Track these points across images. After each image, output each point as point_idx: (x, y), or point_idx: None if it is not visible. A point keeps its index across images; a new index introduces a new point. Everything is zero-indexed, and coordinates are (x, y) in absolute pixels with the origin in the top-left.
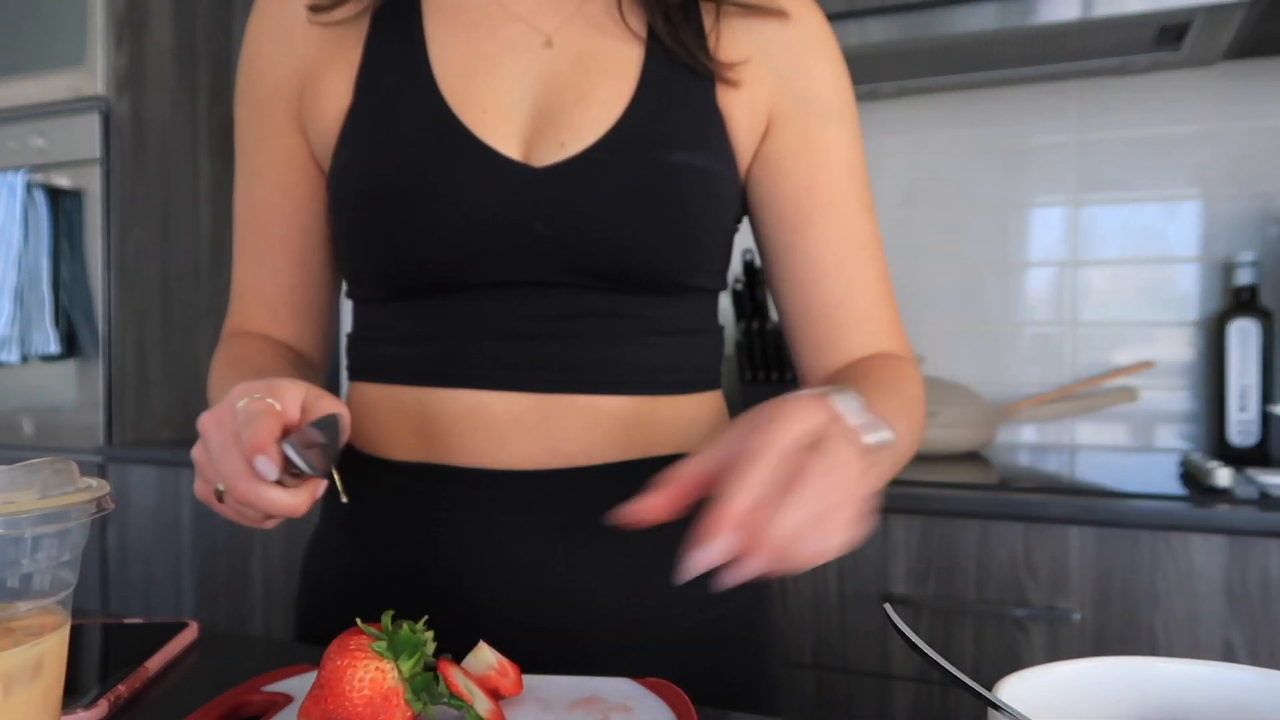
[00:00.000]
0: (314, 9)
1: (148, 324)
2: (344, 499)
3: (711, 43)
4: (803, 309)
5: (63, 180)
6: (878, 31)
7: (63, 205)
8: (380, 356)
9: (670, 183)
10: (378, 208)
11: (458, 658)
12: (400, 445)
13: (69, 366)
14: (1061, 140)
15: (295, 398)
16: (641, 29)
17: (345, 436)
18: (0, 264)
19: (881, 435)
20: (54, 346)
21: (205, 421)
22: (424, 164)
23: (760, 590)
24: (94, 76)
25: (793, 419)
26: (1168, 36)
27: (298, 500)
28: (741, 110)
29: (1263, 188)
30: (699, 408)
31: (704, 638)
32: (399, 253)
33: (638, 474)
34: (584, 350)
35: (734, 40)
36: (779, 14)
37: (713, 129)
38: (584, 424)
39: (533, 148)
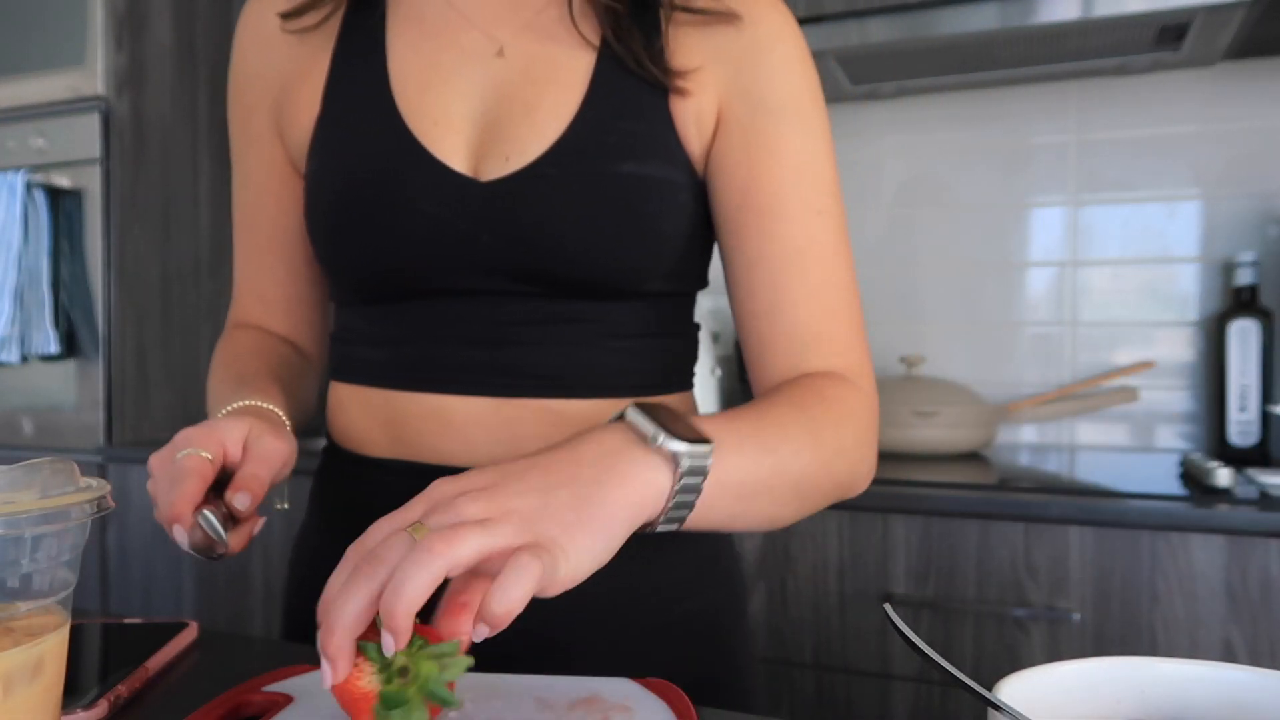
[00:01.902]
0: (284, 17)
1: (148, 324)
2: (285, 506)
3: (663, 50)
4: (741, 315)
5: (63, 180)
6: (878, 31)
7: (63, 205)
8: (353, 358)
9: (619, 193)
10: (340, 217)
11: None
12: (374, 443)
13: (69, 366)
14: (1061, 140)
15: (237, 438)
16: (594, 37)
17: (287, 469)
18: (0, 264)
19: (676, 446)
20: (54, 346)
21: (152, 463)
22: (378, 177)
23: (732, 587)
24: (94, 76)
25: (385, 520)
26: (1168, 36)
27: (231, 543)
28: (689, 117)
29: (1263, 187)
30: None
31: (675, 633)
32: (360, 261)
33: None
34: (541, 355)
35: (687, 47)
36: (731, 17)
37: (665, 136)
38: (545, 426)
39: (480, 160)
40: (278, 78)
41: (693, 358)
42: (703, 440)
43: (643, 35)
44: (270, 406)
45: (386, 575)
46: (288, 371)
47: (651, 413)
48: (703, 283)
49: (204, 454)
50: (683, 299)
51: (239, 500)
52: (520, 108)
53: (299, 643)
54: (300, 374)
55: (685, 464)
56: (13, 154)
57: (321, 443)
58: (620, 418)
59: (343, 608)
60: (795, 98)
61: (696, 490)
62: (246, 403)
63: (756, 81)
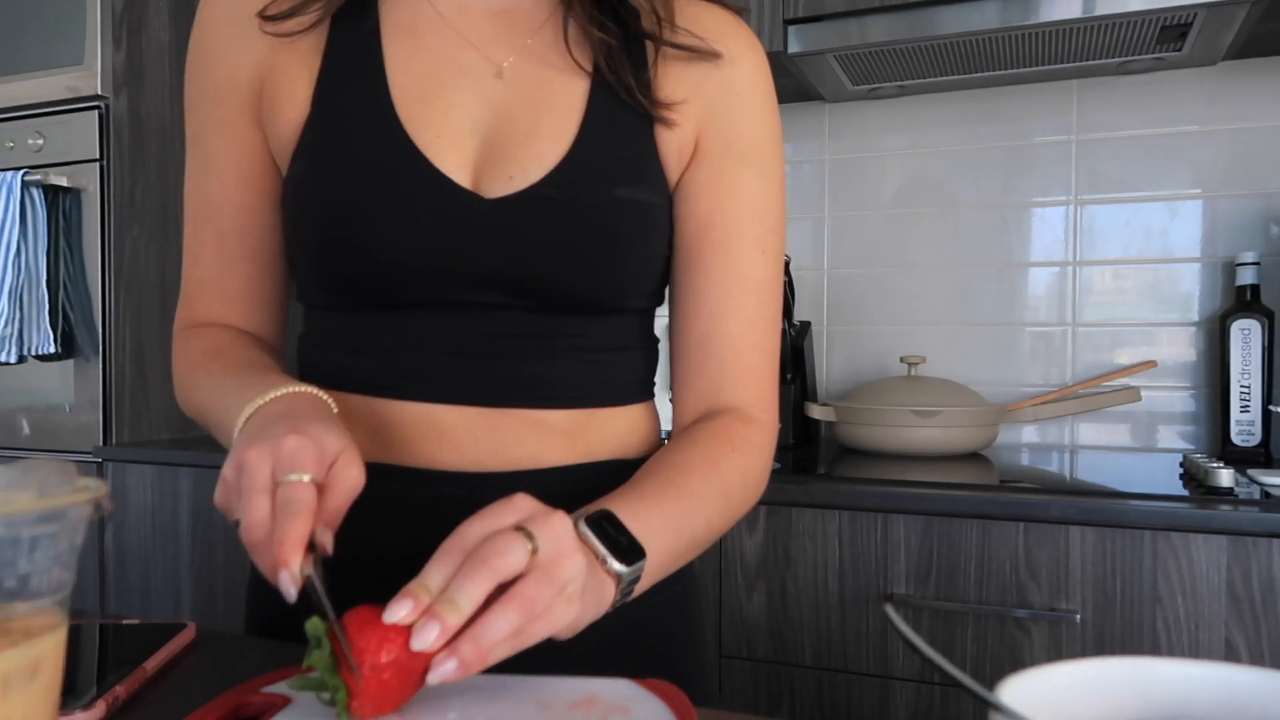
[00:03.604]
0: (266, 18)
1: (146, 323)
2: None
3: (651, 82)
4: (677, 335)
5: (61, 179)
6: (878, 31)
7: (61, 204)
8: (331, 363)
9: (611, 217)
10: (331, 224)
11: None
12: None
13: (67, 366)
14: (1062, 140)
15: (332, 457)
16: (587, 64)
17: (354, 496)
18: None
19: (619, 568)
20: (52, 346)
21: (249, 458)
22: (378, 185)
23: (686, 586)
24: (92, 75)
25: (485, 516)
26: (1169, 36)
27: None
28: (672, 145)
29: (1265, 187)
30: (635, 417)
31: (638, 627)
32: (350, 269)
33: (583, 475)
34: (527, 367)
35: (673, 80)
36: (714, 55)
37: (650, 162)
38: (530, 433)
39: (481, 177)
40: (257, 65)
41: (654, 369)
42: (637, 549)
43: (632, 67)
44: (326, 398)
45: (510, 569)
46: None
47: (599, 530)
48: (659, 300)
49: (308, 478)
50: (646, 315)
51: (325, 539)
52: (521, 129)
53: (259, 636)
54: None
55: (625, 580)
56: (11, 153)
57: None
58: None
59: (472, 587)
60: (761, 143)
61: (632, 589)
62: (298, 389)
63: (731, 122)
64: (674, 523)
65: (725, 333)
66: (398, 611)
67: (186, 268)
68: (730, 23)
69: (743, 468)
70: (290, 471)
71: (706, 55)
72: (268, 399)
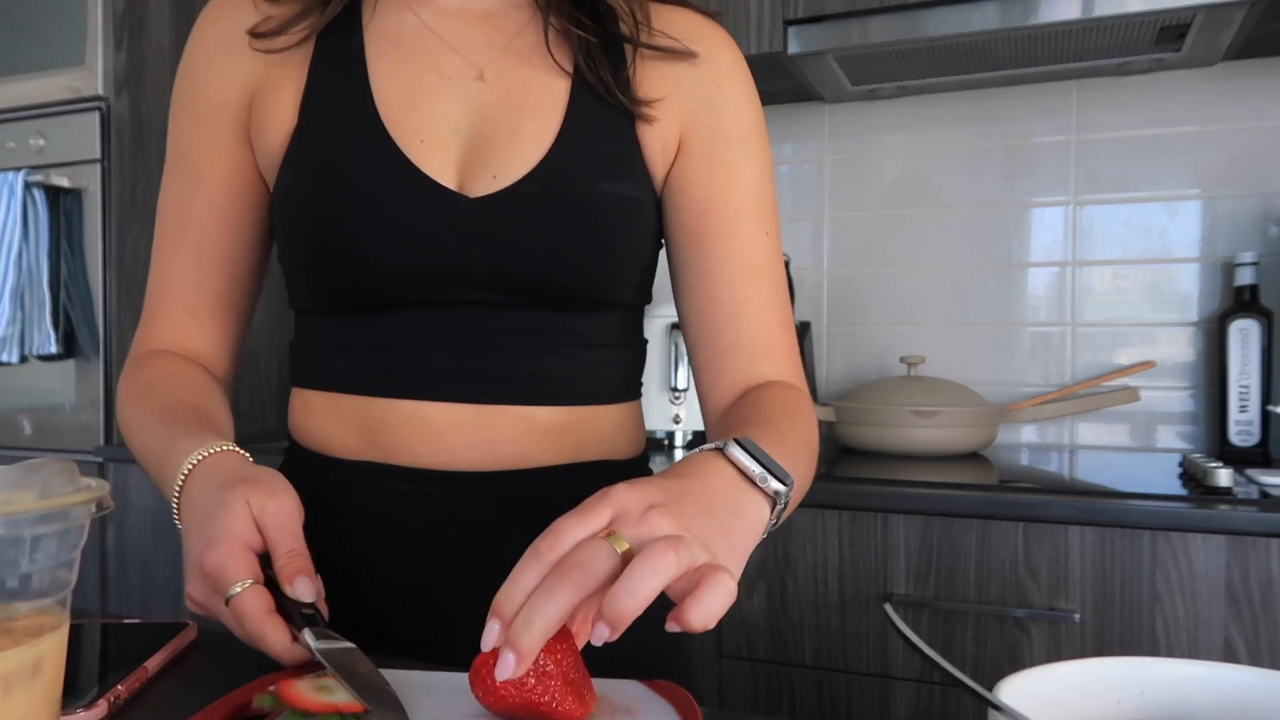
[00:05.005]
0: (256, 35)
1: None
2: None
3: (630, 80)
4: (698, 323)
5: (62, 180)
6: (878, 31)
7: (62, 205)
8: (323, 366)
9: (595, 212)
10: (320, 231)
11: (399, 644)
12: (346, 446)
13: (68, 366)
14: (1062, 140)
15: (250, 526)
16: (567, 64)
17: (302, 518)
18: None
19: (779, 486)
20: (53, 346)
21: (197, 597)
22: (365, 191)
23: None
24: (93, 76)
25: (581, 515)
26: (1168, 36)
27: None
28: (655, 142)
29: (1264, 187)
30: (623, 416)
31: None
32: (341, 274)
33: (572, 475)
34: (518, 364)
35: (651, 79)
36: (690, 55)
37: (633, 158)
38: (521, 431)
39: (466, 177)
40: (247, 82)
41: (642, 367)
42: (786, 476)
43: (611, 66)
44: (233, 447)
45: (594, 581)
46: (216, 404)
47: (751, 451)
48: (647, 298)
49: (250, 581)
50: (635, 311)
51: (301, 590)
52: (504, 129)
53: None
54: (225, 404)
55: (781, 501)
56: (12, 154)
57: (279, 445)
58: (718, 450)
59: (548, 606)
60: (748, 130)
61: (780, 518)
62: (208, 451)
63: (716, 114)
64: (789, 462)
65: (749, 312)
66: (489, 640)
67: (153, 282)
68: (705, 25)
69: (808, 431)
70: (227, 588)
71: (683, 55)
72: (178, 486)
